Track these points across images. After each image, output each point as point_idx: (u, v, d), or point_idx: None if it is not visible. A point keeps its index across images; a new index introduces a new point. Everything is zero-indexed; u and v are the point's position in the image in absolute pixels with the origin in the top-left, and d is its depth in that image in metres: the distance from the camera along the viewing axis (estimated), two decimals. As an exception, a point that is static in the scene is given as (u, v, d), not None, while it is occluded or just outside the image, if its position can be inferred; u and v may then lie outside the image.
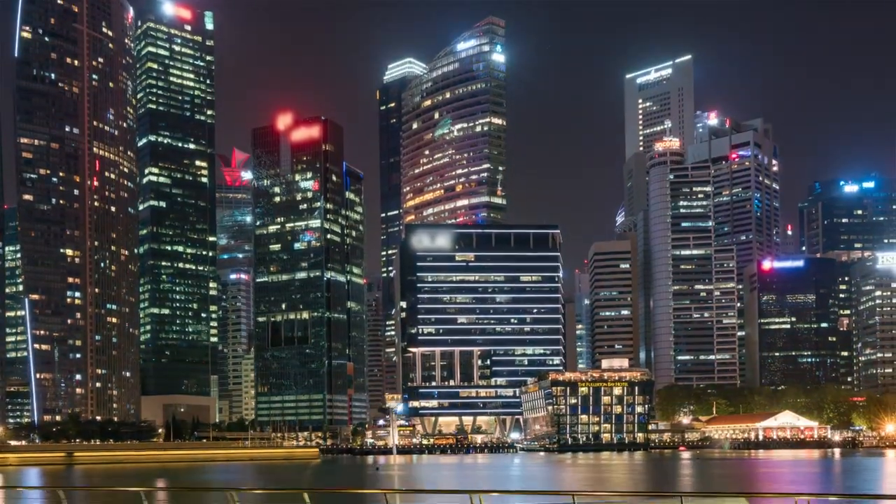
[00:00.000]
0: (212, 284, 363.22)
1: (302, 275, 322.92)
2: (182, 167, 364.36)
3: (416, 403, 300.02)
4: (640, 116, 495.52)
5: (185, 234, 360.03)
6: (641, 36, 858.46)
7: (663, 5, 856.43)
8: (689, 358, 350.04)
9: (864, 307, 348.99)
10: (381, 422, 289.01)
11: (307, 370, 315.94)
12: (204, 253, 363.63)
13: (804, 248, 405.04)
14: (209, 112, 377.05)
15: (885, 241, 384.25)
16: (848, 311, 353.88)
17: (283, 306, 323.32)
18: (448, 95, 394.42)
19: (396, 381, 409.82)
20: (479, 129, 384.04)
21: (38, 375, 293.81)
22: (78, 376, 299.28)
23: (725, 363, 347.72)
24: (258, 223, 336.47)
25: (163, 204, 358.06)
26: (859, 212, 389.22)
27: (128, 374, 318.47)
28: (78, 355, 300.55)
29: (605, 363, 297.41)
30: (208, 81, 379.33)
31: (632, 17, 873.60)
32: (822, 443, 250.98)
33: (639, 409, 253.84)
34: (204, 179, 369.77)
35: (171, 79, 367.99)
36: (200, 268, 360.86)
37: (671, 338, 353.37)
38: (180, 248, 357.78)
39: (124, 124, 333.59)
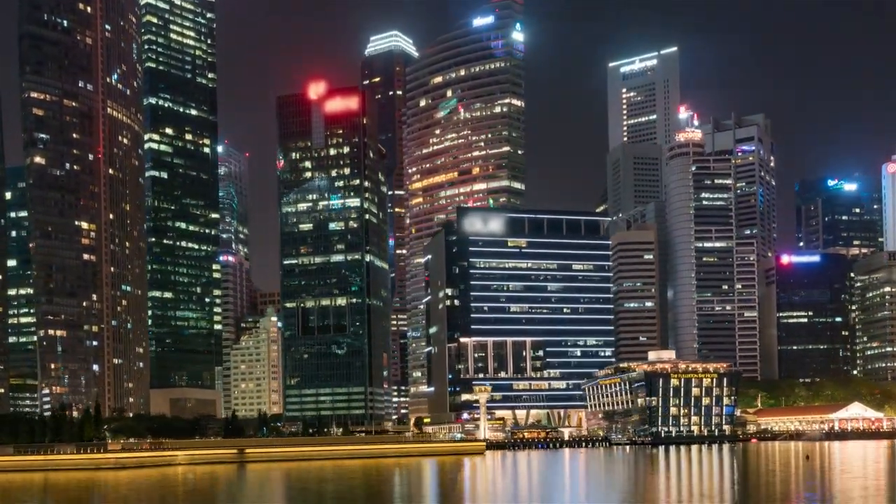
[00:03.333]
0: (215, 267, 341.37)
1: (338, 257, 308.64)
2: (183, 134, 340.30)
3: (467, 396, 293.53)
4: (625, 106, 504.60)
5: (187, 209, 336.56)
6: (626, 25, 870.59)
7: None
8: (711, 351, 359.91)
9: (873, 302, 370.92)
10: (465, 415, 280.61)
11: (345, 361, 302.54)
12: (206, 231, 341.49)
13: (801, 244, 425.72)
14: (210, 75, 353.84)
15: (879, 239, 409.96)
16: (857, 306, 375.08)
17: (316, 291, 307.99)
18: (463, 73, 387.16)
19: (398, 373, 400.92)
20: (497, 109, 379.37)
21: (50, 365, 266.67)
22: (95, 366, 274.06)
23: (746, 356, 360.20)
24: (284, 200, 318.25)
25: (163, 174, 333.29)
26: (857, 210, 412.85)
27: (141, 364, 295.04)
28: (94, 342, 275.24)
29: (652, 355, 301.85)
30: (209, 41, 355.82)
31: (617, 5, 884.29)
32: (894, 433, 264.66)
33: (726, 400, 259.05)
34: (206, 150, 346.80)
35: (172, 35, 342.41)
36: (203, 247, 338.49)
37: (695, 330, 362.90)
38: (182, 225, 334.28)
39: (134, 83, 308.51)
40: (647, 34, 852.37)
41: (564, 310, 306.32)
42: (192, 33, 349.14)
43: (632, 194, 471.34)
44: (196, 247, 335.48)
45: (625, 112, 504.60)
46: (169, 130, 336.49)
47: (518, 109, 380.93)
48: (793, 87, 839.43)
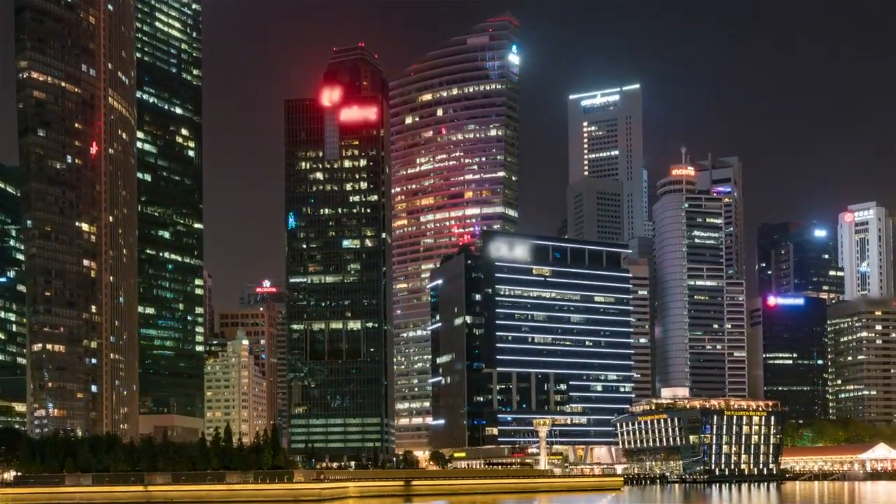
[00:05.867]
0: (197, 282, 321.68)
1: (353, 277, 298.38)
2: (168, 135, 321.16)
3: (492, 430, 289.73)
4: (586, 140, 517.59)
5: (171, 217, 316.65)
6: (589, 59, 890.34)
7: (613, 32, 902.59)
8: (702, 390, 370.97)
9: (847, 346, 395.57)
10: (532, 449, 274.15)
11: (359, 390, 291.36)
12: (190, 242, 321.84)
13: (772, 287, 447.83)
14: (196, 72, 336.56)
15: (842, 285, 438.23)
16: (834, 349, 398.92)
17: (327, 313, 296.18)
18: (455, 92, 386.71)
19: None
20: (493, 133, 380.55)
21: (47, 384, 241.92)
22: (93, 387, 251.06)
23: (735, 396, 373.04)
24: (292, 213, 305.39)
25: (147, 177, 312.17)
26: (826, 255, 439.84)
27: (134, 386, 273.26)
28: (93, 360, 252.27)
29: (666, 392, 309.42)
30: (195, 35, 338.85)
31: (580, 39, 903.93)
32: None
33: (773, 439, 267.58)
34: (191, 153, 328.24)
35: (158, 25, 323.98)
36: (187, 260, 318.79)
37: (687, 368, 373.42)
38: (166, 234, 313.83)
39: (132, 72, 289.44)
40: (612, 69, 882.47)
41: (587, 343, 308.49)
42: (177, 24, 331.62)
43: (595, 229, 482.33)
44: (179, 259, 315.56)
45: (586, 146, 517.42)
46: (154, 129, 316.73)
47: (513, 134, 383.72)
48: (754, 131, 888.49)
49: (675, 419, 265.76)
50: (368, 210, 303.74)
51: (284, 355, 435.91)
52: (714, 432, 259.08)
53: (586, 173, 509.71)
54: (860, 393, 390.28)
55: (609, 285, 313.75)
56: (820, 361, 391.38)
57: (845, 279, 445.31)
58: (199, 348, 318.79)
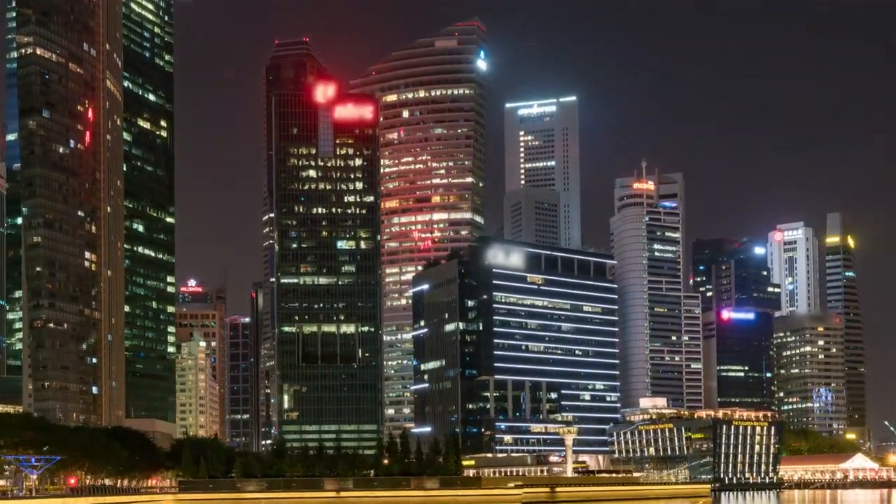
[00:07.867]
0: (169, 279, 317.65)
1: (347, 280, 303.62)
2: (140, 122, 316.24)
3: (487, 438, 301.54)
4: (522, 150, 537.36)
5: (144, 209, 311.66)
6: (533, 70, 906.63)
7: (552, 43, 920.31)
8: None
9: (790, 360, 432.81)
10: (554, 458, 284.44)
11: (354, 395, 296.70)
12: (162, 237, 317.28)
13: (713, 302, 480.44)
14: (167, 57, 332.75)
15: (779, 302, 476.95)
16: (778, 362, 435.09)
17: (320, 316, 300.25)
18: (422, 94, 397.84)
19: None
20: (461, 137, 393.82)
21: (52, 383, 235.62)
22: (94, 388, 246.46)
23: (693, 407, 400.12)
24: (283, 211, 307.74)
25: (122, 167, 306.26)
26: (764, 273, 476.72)
27: (123, 387, 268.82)
28: (94, 359, 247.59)
29: (645, 402, 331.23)
30: (166, 18, 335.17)
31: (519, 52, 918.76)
32: (889, 483, 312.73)
33: (773, 449, 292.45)
34: (164, 142, 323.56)
35: (132, 6, 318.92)
36: (159, 255, 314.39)
37: (647, 379, 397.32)
38: (140, 228, 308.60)
39: (122, 56, 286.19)
40: (552, 79, 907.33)
41: (576, 352, 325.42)
42: (150, 6, 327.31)
43: (533, 239, 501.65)
44: (152, 254, 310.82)
45: (522, 155, 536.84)
46: (127, 115, 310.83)
47: (481, 140, 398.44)
48: (687, 147, 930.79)
49: (682, 429, 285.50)
50: (364, 211, 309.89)
51: (224, 357, 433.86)
52: (723, 442, 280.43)
53: (522, 183, 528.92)
54: (803, 405, 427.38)
55: (597, 295, 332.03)
56: (769, 374, 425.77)
57: (781, 295, 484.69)
58: (171, 349, 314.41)
